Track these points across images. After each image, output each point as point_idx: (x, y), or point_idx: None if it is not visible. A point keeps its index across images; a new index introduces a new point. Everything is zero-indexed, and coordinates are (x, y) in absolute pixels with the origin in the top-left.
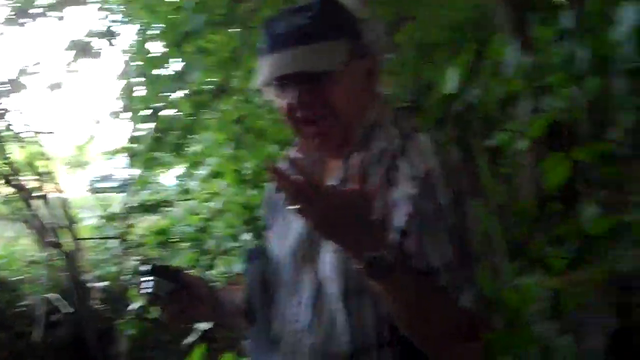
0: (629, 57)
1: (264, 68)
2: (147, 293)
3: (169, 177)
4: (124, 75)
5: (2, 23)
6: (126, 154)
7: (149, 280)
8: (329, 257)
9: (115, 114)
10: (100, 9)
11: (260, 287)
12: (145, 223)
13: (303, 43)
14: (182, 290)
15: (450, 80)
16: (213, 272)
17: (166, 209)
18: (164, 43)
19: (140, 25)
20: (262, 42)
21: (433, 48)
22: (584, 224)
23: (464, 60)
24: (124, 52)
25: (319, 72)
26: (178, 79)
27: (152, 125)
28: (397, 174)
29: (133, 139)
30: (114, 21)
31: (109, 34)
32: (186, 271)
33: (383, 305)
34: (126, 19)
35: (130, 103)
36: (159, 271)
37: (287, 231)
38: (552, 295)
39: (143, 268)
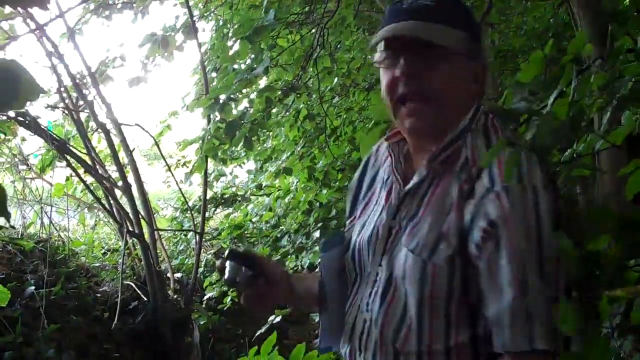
0: None
1: (381, 33)
2: (226, 278)
3: (243, 172)
4: (199, 68)
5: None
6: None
7: (227, 266)
8: (404, 255)
9: (190, 107)
10: (180, 4)
11: (337, 274)
12: (220, 216)
13: (423, 19)
14: (259, 276)
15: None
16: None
17: (240, 203)
18: (238, 38)
19: (217, 21)
20: (382, 19)
21: (512, 55)
22: None
23: (539, 56)
24: (201, 46)
25: (431, 45)
26: (247, 73)
27: (218, 115)
28: (476, 185)
29: (203, 131)
30: (193, 17)
31: (189, 29)
32: (262, 257)
33: (455, 310)
34: (205, 15)
35: (203, 96)
36: (237, 257)
37: (367, 220)
38: (625, 309)
39: (222, 254)
